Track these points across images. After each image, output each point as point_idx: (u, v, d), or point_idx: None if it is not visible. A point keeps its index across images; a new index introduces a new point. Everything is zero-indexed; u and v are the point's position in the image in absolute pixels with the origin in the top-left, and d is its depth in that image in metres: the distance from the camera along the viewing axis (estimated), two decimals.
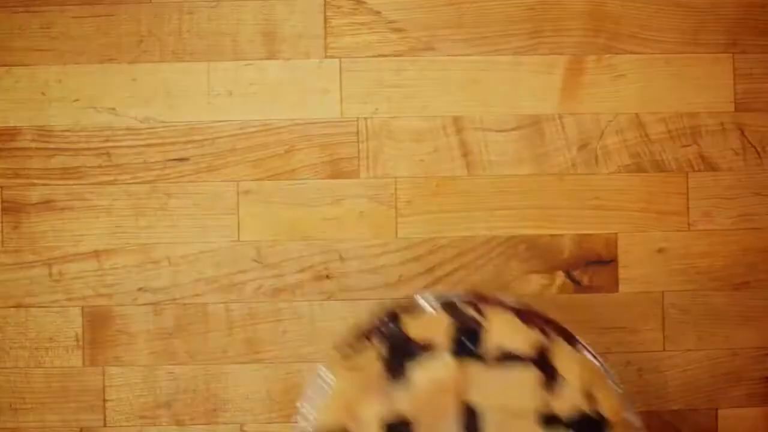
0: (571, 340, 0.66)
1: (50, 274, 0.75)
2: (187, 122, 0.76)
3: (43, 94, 0.76)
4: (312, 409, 0.65)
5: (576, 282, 0.76)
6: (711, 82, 0.77)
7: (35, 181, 0.75)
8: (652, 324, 0.76)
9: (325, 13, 0.76)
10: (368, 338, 0.66)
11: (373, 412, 0.64)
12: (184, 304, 0.76)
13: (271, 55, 0.73)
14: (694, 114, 0.77)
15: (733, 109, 0.77)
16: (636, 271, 0.76)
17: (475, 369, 0.65)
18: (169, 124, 0.76)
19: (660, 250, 0.76)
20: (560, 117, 0.77)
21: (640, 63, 0.77)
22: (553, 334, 0.66)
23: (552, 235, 0.76)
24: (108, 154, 0.76)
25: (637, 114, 0.77)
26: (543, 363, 0.65)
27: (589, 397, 0.64)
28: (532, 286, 0.76)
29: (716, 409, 0.76)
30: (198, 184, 0.75)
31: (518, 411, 0.64)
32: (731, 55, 0.77)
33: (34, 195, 0.75)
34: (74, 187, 0.76)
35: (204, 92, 0.76)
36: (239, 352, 0.76)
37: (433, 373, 0.64)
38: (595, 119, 0.77)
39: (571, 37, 0.77)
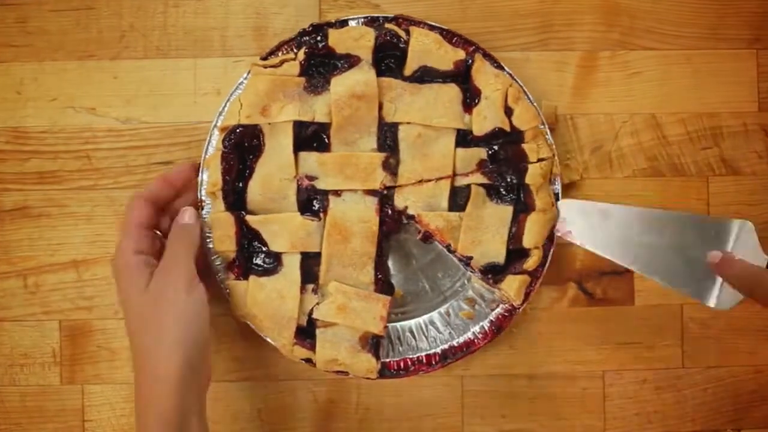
0: (493, 61, 0.68)
1: (25, 286, 0.71)
2: (172, 123, 0.72)
3: (18, 93, 0.72)
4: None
5: (589, 294, 0.73)
6: (733, 79, 0.73)
7: (9, 186, 0.71)
8: (670, 339, 0.73)
9: (320, 6, 0.72)
10: (292, 49, 0.67)
11: (286, 111, 0.64)
12: None
13: (263, 51, 0.68)
14: (715, 114, 0.73)
15: (756, 109, 0.73)
16: (653, 282, 0.70)
17: (396, 84, 0.66)
18: (152, 125, 0.72)
19: None
20: (572, 117, 0.73)
21: (657, 59, 0.73)
22: (476, 55, 0.67)
23: (563, 244, 0.71)
24: (88, 157, 0.72)
25: (653, 114, 0.73)
26: (464, 80, 0.67)
27: (507, 111, 0.66)
28: (541, 298, 0.72)
29: (739, 431, 0.73)
30: None
31: (436, 128, 0.66)
32: (754, 51, 0.73)
33: (8, 201, 0.71)
34: (51, 192, 0.72)
35: (190, 91, 0.72)
36: (228, 369, 0.72)
37: (353, 84, 0.65)
38: (608, 120, 0.73)
39: (583, 32, 0.73)
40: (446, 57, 0.66)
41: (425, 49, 0.66)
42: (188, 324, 0.57)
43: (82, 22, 0.72)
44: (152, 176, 0.71)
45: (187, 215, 0.63)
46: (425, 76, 0.66)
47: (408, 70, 0.66)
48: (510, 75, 0.68)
